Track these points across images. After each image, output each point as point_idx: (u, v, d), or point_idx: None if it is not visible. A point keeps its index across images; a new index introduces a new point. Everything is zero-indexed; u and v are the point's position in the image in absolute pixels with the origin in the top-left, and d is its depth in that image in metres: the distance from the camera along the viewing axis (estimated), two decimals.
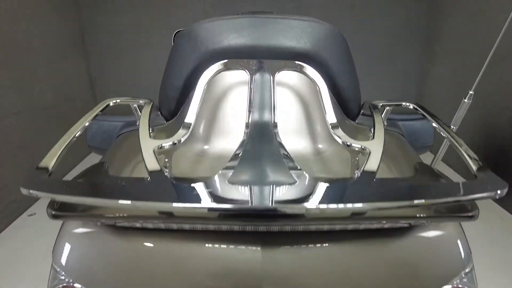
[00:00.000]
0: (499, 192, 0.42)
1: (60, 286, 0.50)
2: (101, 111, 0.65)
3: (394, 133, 0.79)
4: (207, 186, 0.46)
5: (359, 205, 0.40)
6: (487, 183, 0.46)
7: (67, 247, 0.53)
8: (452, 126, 1.06)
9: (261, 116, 0.61)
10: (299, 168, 0.51)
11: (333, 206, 0.39)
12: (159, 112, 0.81)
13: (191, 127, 0.62)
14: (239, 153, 0.52)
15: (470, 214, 0.47)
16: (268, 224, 0.47)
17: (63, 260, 0.52)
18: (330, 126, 0.64)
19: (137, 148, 0.54)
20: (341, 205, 0.39)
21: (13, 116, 1.95)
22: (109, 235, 0.52)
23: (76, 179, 0.52)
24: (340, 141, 0.60)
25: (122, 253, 0.52)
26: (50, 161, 0.52)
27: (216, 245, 0.51)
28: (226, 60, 0.69)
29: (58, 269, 0.52)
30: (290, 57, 0.73)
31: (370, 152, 0.53)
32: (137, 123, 0.63)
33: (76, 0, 2.68)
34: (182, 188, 0.47)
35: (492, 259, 1.64)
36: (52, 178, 0.49)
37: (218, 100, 0.72)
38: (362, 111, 0.85)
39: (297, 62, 0.70)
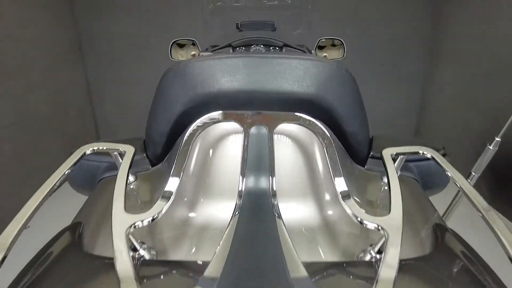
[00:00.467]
0: None
1: None
2: (75, 162, 0.57)
3: (408, 180, 0.70)
4: None
5: None
6: None
7: None
8: (473, 173, 0.99)
9: (257, 183, 0.52)
10: (304, 274, 0.39)
11: None
12: (144, 155, 0.74)
13: (172, 198, 0.51)
14: (228, 240, 0.42)
15: None
16: None
17: None
18: (340, 195, 0.53)
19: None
20: None
21: (5, 128, 1.90)
22: None
23: (42, 253, 0.46)
24: (350, 213, 0.49)
25: None
26: (4, 242, 0.43)
27: None
28: (216, 113, 0.61)
29: None
30: (291, 103, 0.64)
31: (387, 236, 0.44)
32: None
33: (72, 6, 2.62)
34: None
35: None
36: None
37: (206, 161, 0.63)
38: (371, 153, 0.75)
39: (299, 114, 0.61)
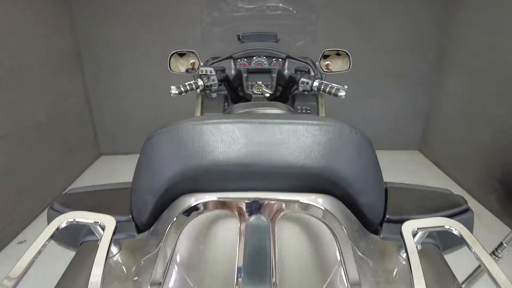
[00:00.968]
0: None
1: None
2: (51, 236, 0.49)
3: (428, 248, 0.61)
4: None
5: None
6: None
7: None
8: (504, 244, 0.91)
9: (255, 286, 0.45)
10: None
11: None
12: (130, 216, 0.63)
13: None
14: None
15: None
16: None
17: None
18: None
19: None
20: None
21: (1, 139, 1.85)
22: None
23: None
24: None
25: None
26: None
27: None
28: (208, 197, 0.52)
29: None
30: (296, 179, 0.55)
31: None
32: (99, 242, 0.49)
33: (71, 13, 2.57)
34: None
35: None
36: None
37: (195, 252, 0.55)
38: (387, 217, 0.65)
39: (306, 201, 0.52)
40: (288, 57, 1.64)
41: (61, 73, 2.45)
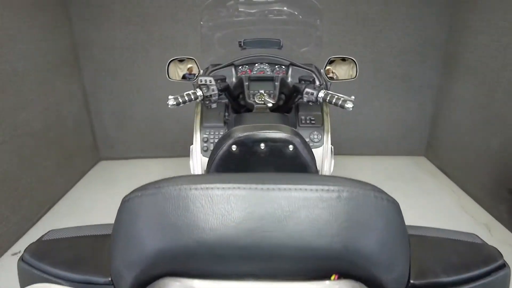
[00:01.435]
0: None
1: None
2: None
3: None
4: None
5: None
6: None
7: None
8: None
9: None
10: None
11: None
12: (109, 279, 0.53)
13: None
14: None
15: None
16: None
17: None
18: None
19: None
20: None
21: None
22: None
23: None
24: None
25: None
26: None
27: None
28: None
29: None
30: (307, 263, 0.43)
31: None
32: None
33: (68, 15, 2.51)
34: None
35: None
36: None
37: None
38: (411, 282, 0.53)
39: None
40: (292, 64, 1.57)
41: (59, 78, 2.39)
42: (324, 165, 1.38)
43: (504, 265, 0.54)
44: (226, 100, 1.48)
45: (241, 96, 1.49)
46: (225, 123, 1.41)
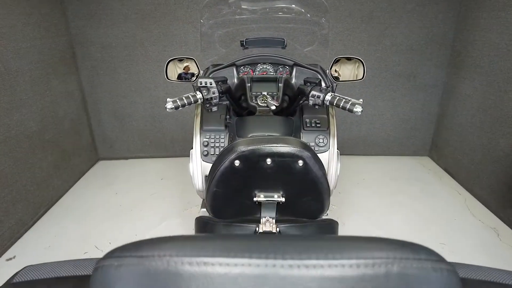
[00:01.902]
0: None
1: None
2: None
3: None
4: None
5: None
6: None
7: None
8: None
9: None
10: None
11: None
12: None
13: None
14: None
15: None
16: None
17: None
18: None
19: None
20: None
21: None
22: None
23: None
24: None
25: None
26: None
27: None
28: None
29: None
30: None
31: None
32: None
33: (65, 12, 2.44)
34: None
35: None
36: None
37: None
38: None
39: None
40: (296, 64, 1.51)
41: (55, 76, 2.32)
42: (330, 171, 1.32)
43: None
44: (227, 102, 1.42)
45: (243, 98, 1.43)
46: (226, 126, 1.35)
